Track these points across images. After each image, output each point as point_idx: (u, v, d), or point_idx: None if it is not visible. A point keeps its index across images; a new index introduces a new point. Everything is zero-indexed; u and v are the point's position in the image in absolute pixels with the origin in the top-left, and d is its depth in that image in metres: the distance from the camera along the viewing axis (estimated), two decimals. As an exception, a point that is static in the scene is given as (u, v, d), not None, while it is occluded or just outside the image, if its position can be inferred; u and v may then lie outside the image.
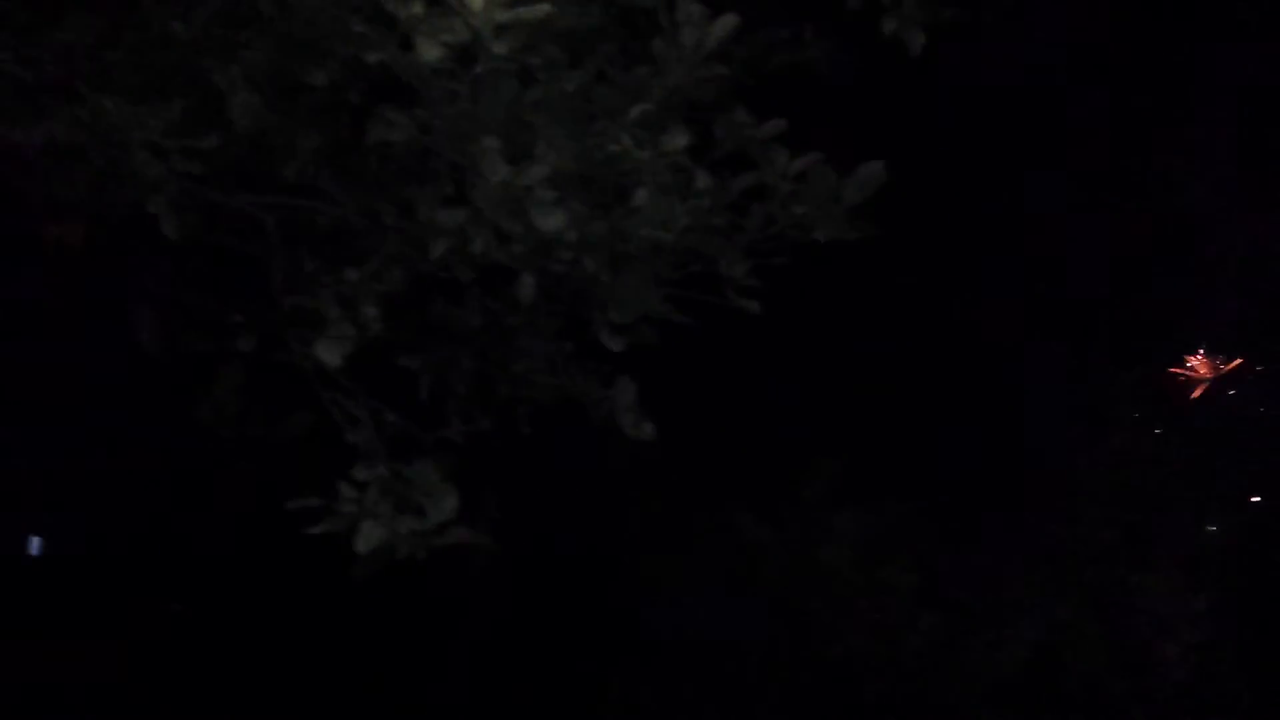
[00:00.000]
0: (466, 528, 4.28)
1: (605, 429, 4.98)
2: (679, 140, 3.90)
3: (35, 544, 10.79)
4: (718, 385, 10.12)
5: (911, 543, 10.01)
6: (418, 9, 3.56)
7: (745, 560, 9.98)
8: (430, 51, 3.56)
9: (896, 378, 11.12)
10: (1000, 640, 9.77)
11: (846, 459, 10.04)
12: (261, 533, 8.13)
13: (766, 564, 9.95)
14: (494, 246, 3.76)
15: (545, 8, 3.51)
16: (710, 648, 9.95)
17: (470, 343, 4.97)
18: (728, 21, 3.95)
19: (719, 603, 9.95)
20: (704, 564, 9.98)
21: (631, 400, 4.81)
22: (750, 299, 4.34)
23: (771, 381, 10.63)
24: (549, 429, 5.39)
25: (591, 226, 3.86)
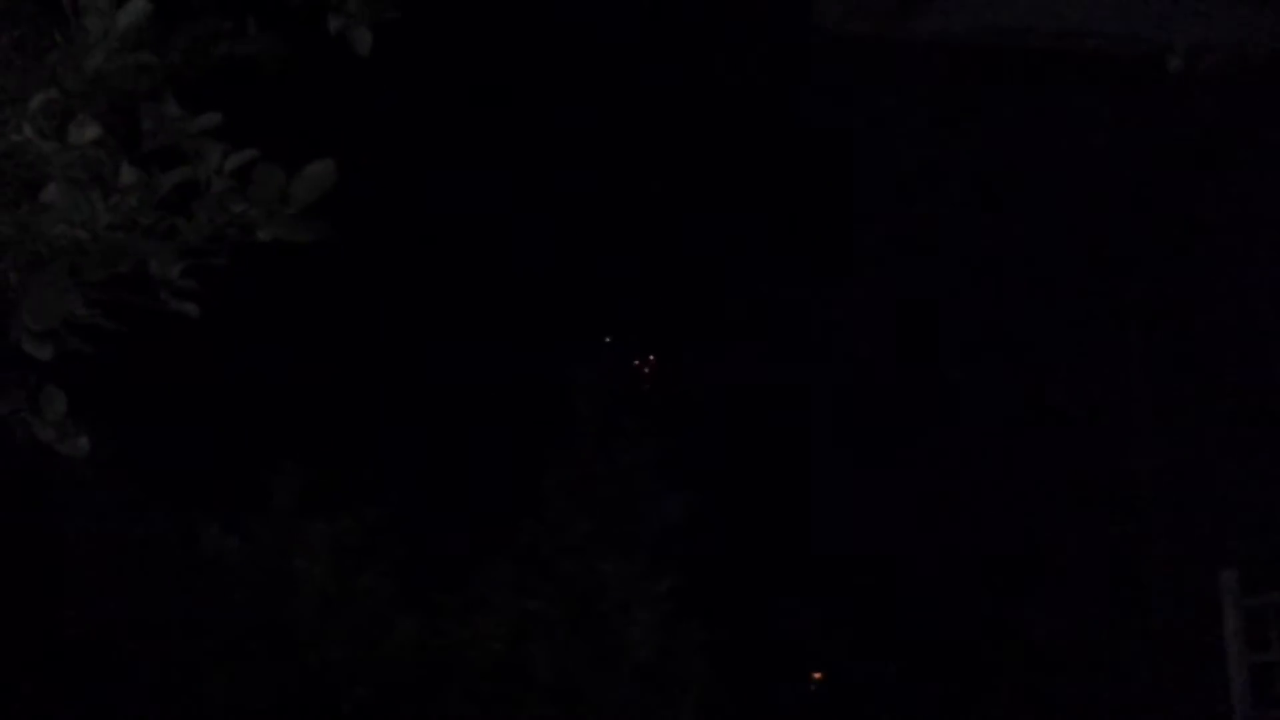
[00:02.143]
0: None
1: (36, 444, 4.59)
2: (89, 132, 3.62)
3: None
4: (170, 393, 9.68)
5: (385, 548, 10.02)
6: None
7: (212, 573, 9.60)
8: None
9: (357, 382, 11.08)
10: (474, 637, 9.98)
11: (314, 466, 9.90)
12: None
13: (235, 576, 9.62)
14: None
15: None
16: (175, 664, 9.50)
17: None
18: (135, 8, 3.70)
19: (184, 616, 9.51)
20: (164, 577, 9.51)
21: (61, 413, 4.43)
22: (188, 301, 4.13)
23: (230, 388, 10.30)
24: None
25: (-4, 225, 3.52)
